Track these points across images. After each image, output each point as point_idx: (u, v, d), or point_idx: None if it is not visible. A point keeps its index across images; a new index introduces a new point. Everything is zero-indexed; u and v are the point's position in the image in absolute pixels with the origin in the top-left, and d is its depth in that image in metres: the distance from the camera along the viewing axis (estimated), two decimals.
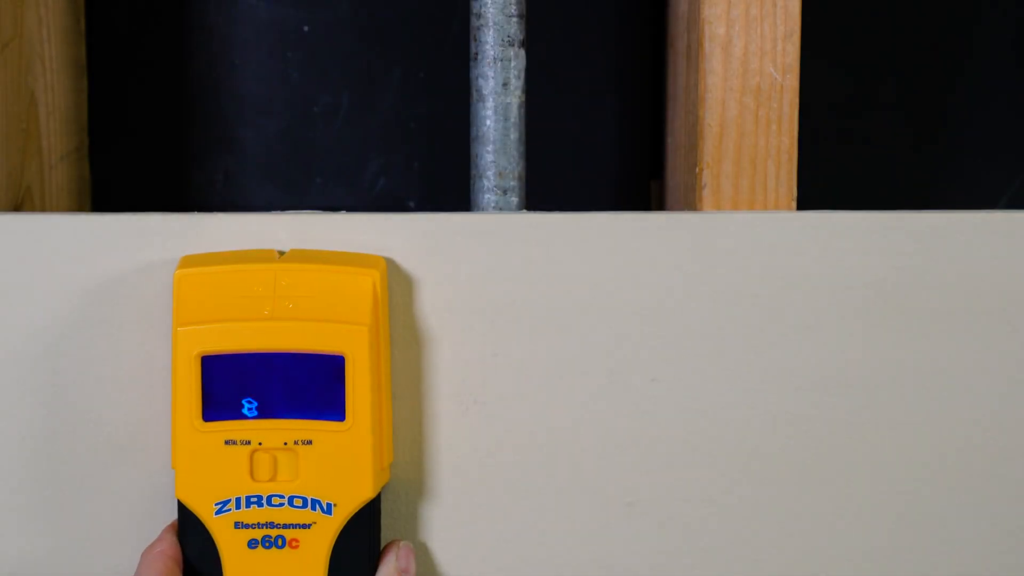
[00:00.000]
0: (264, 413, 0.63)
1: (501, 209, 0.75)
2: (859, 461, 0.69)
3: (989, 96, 0.94)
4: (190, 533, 0.64)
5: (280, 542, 0.64)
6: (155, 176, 0.92)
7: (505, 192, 0.76)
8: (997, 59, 0.93)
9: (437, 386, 0.68)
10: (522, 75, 0.75)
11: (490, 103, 0.75)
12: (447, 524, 0.68)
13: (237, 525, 0.64)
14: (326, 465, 0.64)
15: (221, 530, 0.64)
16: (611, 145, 0.92)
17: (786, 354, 0.68)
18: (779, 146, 0.71)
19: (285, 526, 0.64)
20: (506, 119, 0.75)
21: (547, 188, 0.89)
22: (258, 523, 0.64)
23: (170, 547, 0.64)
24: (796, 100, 0.71)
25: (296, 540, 0.64)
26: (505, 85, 0.75)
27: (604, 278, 0.68)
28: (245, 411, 0.63)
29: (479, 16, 0.75)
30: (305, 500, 0.64)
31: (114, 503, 0.68)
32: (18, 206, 0.82)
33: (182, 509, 0.64)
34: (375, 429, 0.64)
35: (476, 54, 0.75)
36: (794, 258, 0.68)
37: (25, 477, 0.67)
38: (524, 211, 0.75)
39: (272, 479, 0.64)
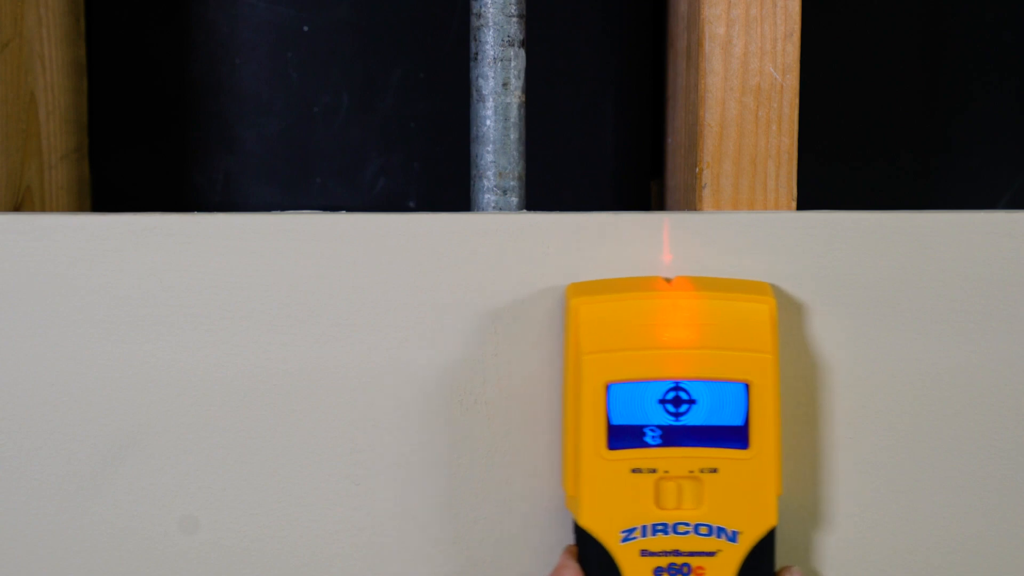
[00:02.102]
0: (668, 441, 0.63)
1: (501, 209, 0.75)
2: (859, 460, 0.69)
3: (989, 96, 0.94)
4: (595, 561, 0.64)
5: (686, 570, 0.64)
6: (155, 176, 0.92)
7: (505, 192, 0.76)
8: (997, 59, 0.93)
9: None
10: (522, 75, 0.75)
11: (490, 103, 0.75)
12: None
13: (643, 553, 0.64)
14: (731, 493, 0.64)
15: (627, 558, 0.64)
16: (611, 145, 0.92)
17: (785, 354, 0.68)
18: (779, 146, 0.71)
19: (691, 554, 0.64)
20: (506, 119, 0.75)
21: (547, 188, 0.89)
22: (664, 551, 0.64)
23: (575, 574, 0.64)
24: (796, 100, 0.71)
25: (701, 568, 0.64)
26: (505, 85, 0.75)
27: (604, 278, 0.68)
28: (648, 439, 0.63)
29: (479, 16, 0.75)
30: (711, 528, 0.64)
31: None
32: (18, 206, 0.82)
33: (584, 536, 0.64)
34: (778, 456, 0.64)
35: (476, 54, 0.75)
36: (794, 258, 0.68)
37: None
38: (524, 211, 0.75)
39: (677, 507, 0.64)
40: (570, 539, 0.67)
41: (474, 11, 0.75)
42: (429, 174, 0.92)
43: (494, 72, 0.75)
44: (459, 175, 0.86)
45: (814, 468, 0.68)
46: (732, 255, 0.67)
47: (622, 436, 0.63)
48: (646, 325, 0.64)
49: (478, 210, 0.76)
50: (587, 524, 0.64)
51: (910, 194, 0.94)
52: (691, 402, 0.63)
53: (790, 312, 0.67)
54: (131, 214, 0.67)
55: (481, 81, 0.75)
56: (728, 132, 0.71)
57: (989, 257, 0.68)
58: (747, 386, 0.63)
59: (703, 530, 0.64)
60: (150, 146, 0.92)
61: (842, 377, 0.68)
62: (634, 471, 0.63)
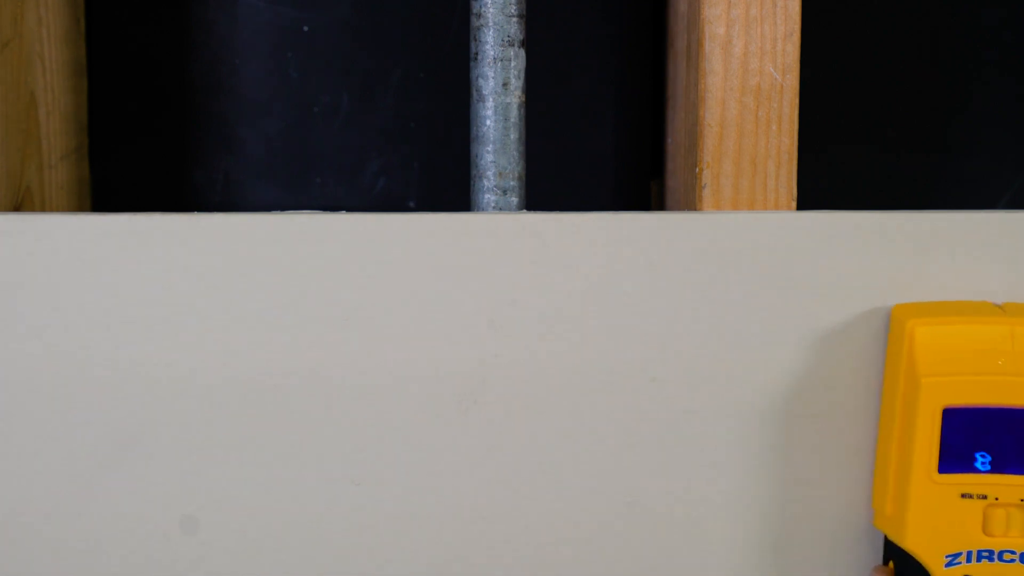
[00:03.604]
0: (998, 468, 0.63)
1: (501, 209, 0.75)
2: (861, 461, 0.69)
3: (989, 96, 0.94)
4: None
5: None
6: (155, 176, 0.92)
7: (505, 192, 0.76)
8: (998, 59, 0.93)
9: None
10: (522, 75, 0.75)
11: (490, 103, 0.75)
12: None
13: None
14: None
15: None
16: (611, 145, 0.92)
17: (786, 354, 0.68)
18: (779, 146, 0.71)
19: None
20: (506, 119, 0.75)
21: (547, 188, 0.89)
22: None
23: None
24: (796, 100, 0.71)
25: None
26: (505, 85, 0.75)
27: (604, 278, 0.68)
28: (978, 465, 0.63)
29: (479, 16, 0.75)
30: None
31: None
32: (18, 206, 0.82)
33: (905, 558, 0.64)
34: None
35: (476, 54, 0.75)
36: (794, 258, 0.68)
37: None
38: (524, 211, 0.75)
39: (1005, 535, 0.64)
40: (876, 559, 0.67)
41: (474, 11, 0.75)
42: (429, 174, 0.92)
43: (494, 72, 0.75)
44: (459, 175, 0.86)
45: None
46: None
47: (954, 461, 0.63)
48: (983, 351, 0.64)
49: (478, 210, 0.76)
50: (911, 546, 0.64)
51: (910, 194, 0.94)
52: None
53: None
54: (131, 214, 0.67)
55: (481, 81, 0.75)
56: (728, 132, 0.71)
57: (989, 257, 0.68)
58: None
59: None
60: (150, 146, 0.92)
61: None
62: (963, 496, 0.64)
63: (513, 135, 0.75)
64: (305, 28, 0.91)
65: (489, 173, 0.75)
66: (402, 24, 0.91)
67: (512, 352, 0.68)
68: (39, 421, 0.67)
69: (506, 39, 0.75)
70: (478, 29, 0.75)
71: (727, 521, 0.68)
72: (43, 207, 0.86)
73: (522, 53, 0.75)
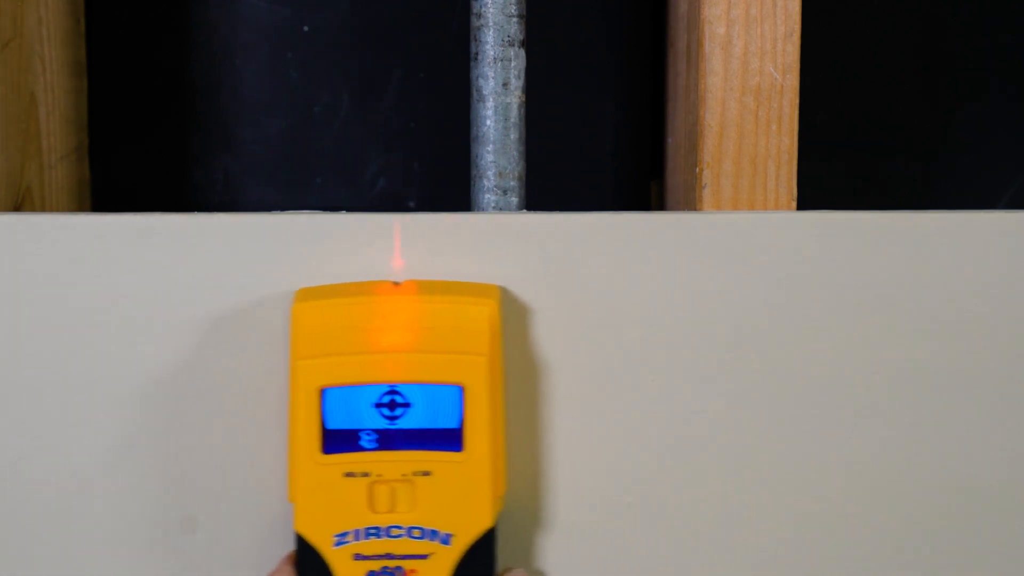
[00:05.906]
0: (383, 445, 0.63)
1: (501, 209, 0.75)
2: (859, 462, 0.69)
3: (989, 96, 0.94)
4: (309, 565, 0.64)
5: (399, 573, 0.64)
6: (155, 176, 0.92)
7: (505, 192, 0.76)
8: (997, 59, 0.94)
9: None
10: (522, 75, 0.75)
11: (490, 103, 0.75)
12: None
13: (356, 557, 0.64)
14: (444, 496, 0.64)
15: (340, 562, 0.64)
16: (611, 145, 0.92)
17: (786, 354, 0.68)
18: (779, 146, 0.71)
19: (404, 557, 0.64)
20: (506, 119, 0.75)
21: (547, 188, 0.89)
22: (377, 554, 0.64)
23: None
24: (796, 100, 0.71)
25: (415, 571, 0.64)
26: (505, 85, 0.75)
27: (604, 278, 0.68)
28: (364, 443, 0.63)
29: (479, 16, 0.75)
30: (424, 531, 0.64)
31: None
32: (18, 206, 0.82)
33: (300, 541, 0.64)
34: (493, 459, 0.64)
35: (476, 54, 0.75)
36: (794, 258, 0.68)
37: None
38: (524, 211, 0.75)
39: (391, 511, 0.64)
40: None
41: (474, 11, 0.75)
42: (429, 174, 0.92)
43: (494, 72, 0.75)
44: (459, 175, 0.86)
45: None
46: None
47: (337, 441, 0.63)
48: (362, 329, 0.64)
49: (478, 210, 0.76)
50: (301, 529, 0.64)
51: (910, 194, 0.94)
52: (406, 405, 0.63)
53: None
54: (131, 214, 0.67)
55: (481, 81, 0.75)
56: (728, 132, 0.71)
57: (989, 257, 0.68)
58: (461, 388, 0.63)
59: (416, 533, 0.64)
60: (150, 146, 0.92)
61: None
62: (347, 475, 0.63)
63: (513, 135, 0.75)
64: (305, 28, 0.91)
65: (489, 173, 0.75)
66: (402, 24, 0.91)
67: (512, 351, 0.68)
68: (39, 421, 0.67)
69: (506, 39, 0.75)
70: (478, 29, 0.75)
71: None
72: (43, 207, 0.86)
73: (522, 53, 0.75)
